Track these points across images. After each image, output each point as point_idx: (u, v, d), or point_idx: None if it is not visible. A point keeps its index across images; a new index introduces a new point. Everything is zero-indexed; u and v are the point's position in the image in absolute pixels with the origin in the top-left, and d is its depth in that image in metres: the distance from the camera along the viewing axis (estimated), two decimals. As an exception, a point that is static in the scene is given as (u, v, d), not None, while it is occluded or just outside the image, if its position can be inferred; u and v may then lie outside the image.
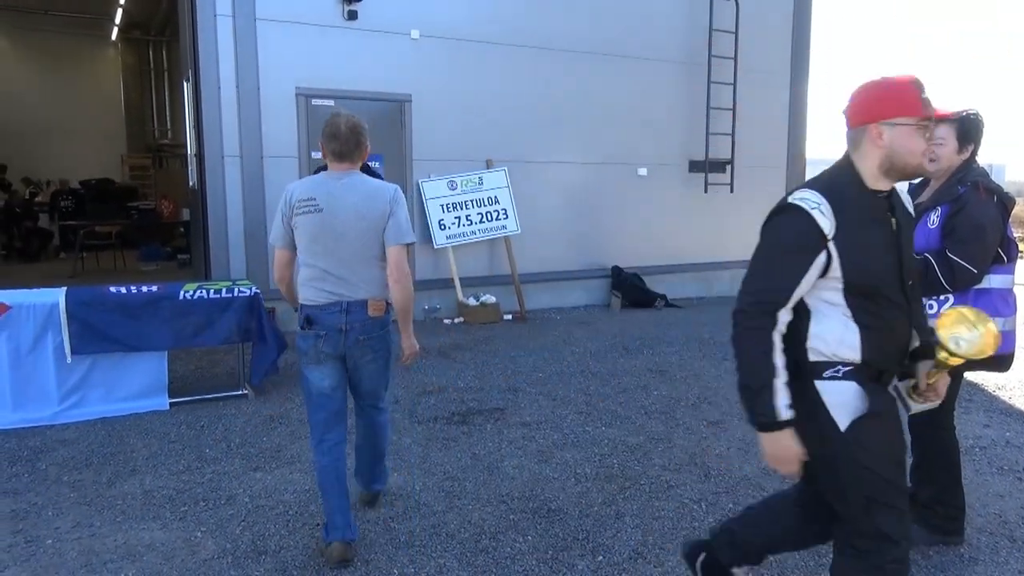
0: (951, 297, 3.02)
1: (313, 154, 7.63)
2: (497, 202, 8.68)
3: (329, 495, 3.05)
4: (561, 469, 4.09)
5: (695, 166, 10.05)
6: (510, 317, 8.51)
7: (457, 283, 8.44)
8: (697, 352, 6.90)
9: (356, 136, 3.07)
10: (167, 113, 19.56)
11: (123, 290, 5.05)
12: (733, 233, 10.44)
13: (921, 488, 3.20)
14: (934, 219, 3.03)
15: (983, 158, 3.20)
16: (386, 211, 3.05)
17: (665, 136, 9.86)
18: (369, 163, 5.52)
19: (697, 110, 9.90)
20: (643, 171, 9.75)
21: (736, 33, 9.95)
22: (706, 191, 9.99)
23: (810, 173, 12.33)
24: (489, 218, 8.65)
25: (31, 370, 4.82)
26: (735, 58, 9.94)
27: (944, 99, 11.48)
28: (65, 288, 4.98)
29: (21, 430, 4.69)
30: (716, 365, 6.42)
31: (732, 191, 10.13)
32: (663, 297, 9.42)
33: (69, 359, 4.84)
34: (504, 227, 8.72)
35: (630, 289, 9.24)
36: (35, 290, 5.02)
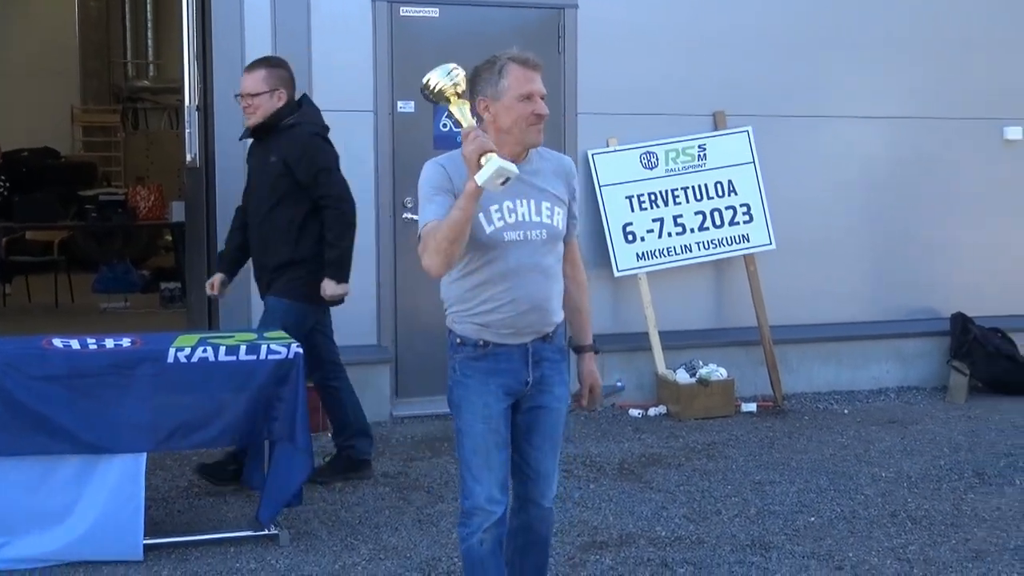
0: None
1: (400, 105, 7.82)
2: (733, 191, 8.63)
3: None
4: None
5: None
6: (754, 407, 8.44)
7: (656, 343, 8.43)
8: None
9: None
10: (148, 37, 20.73)
11: (73, 345, 5.30)
12: None
13: None
14: None
15: None
16: None
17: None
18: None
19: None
20: (1014, 132, 9.54)
21: None
22: None
23: None
24: (717, 222, 8.60)
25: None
26: None
27: None
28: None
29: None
30: None
31: None
32: (1054, 375, 9.14)
33: (-19, 465, 5.11)
34: (746, 238, 8.65)
35: (987, 359, 9.03)
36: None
